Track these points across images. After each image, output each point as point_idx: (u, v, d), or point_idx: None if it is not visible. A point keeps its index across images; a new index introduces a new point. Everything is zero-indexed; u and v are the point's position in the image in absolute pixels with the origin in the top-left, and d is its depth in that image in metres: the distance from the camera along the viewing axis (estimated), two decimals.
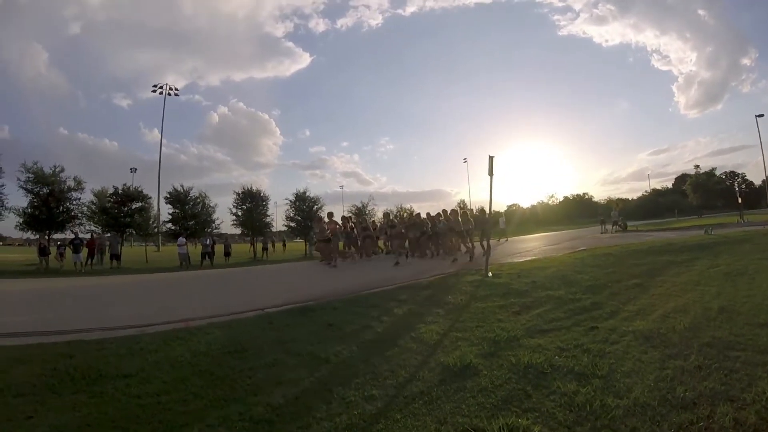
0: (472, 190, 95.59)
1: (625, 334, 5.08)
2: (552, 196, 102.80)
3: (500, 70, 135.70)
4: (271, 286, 12.08)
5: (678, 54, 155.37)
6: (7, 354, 5.08)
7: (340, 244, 17.31)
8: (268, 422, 3.31)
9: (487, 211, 12.84)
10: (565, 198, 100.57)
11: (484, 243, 14.94)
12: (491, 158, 11.08)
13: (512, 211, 68.27)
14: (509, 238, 27.82)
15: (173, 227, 33.85)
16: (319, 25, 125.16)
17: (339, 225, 17.76)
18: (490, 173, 11.11)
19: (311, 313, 6.87)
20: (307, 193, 37.31)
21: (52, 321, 7.29)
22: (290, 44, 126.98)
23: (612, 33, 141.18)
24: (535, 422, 3.10)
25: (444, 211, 17.48)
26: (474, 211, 18.60)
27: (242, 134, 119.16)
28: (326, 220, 17.21)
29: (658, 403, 3.28)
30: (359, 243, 18.32)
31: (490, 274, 9.93)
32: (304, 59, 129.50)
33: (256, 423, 3.30)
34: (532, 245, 21.47)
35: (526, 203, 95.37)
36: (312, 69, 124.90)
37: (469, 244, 16.06)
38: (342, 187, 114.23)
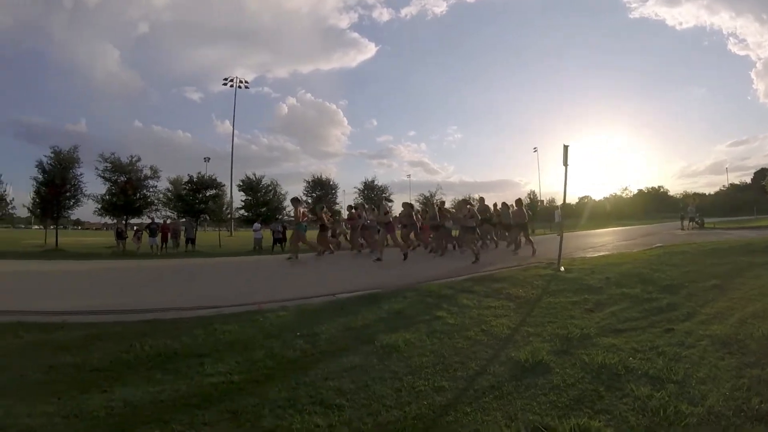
0: (543, 181, 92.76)
1: (701, 338, 4.94)
2: (625, 189, 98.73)
3: (569, 55, 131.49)
4: (341, 273, 12.23)
5: (755, 37, 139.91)
6: (87, 331, 5.57)
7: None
8: (338, 407, 3.40)
9: (561, 202, 12.39)
10: (639, 191, 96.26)
11: (521, 238, 14.83)
12: (566, 147, 10.74)
13: (582, 204, 65.50)
14: (564, 234, 26.89)
15: (246, 213, 35.63)
16: (383, 14, 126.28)
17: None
18: (565, 163, 10.80)
19: (382, 300, 7.00)
20: (375, 182, 37.45)
21: (129, 301, 8.02)
22: (355, 35, 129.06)
23: (685, 15, 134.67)
24: (607, 424, 3.07)
25: (463, 200, 17.68)
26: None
27: (310, 124, 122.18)
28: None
29: (733, 413, 3.18)
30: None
31: (562, 268, 9.77)
32: (370, 49, 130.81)
33: (327, 407, 3.40)
34: (604, 240, 21.39)
35: (597, 196, 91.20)
36: (378, 59, 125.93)
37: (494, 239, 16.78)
38: (409, 176, 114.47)
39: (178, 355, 4.58)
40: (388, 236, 15.66)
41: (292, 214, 17.13)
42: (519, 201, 16.45)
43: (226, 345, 4.92)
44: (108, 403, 3.45)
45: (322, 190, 37.29)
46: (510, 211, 16.37)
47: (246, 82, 44.57)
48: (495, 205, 17.69)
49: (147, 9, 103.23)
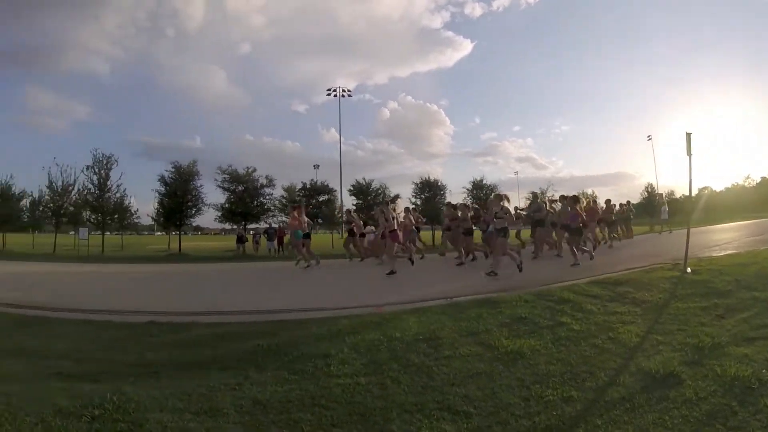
0: (658, 172, 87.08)
1: None
2: (747, 178, 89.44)
3: (681, 30, 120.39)
4: (456, 275, 12.05)
5: None
6: (215, 330, 6.02)
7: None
8: (465, 414, 3.40)
9: (681, 195, 11.32)
10: (763, 179, 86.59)
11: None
12: (689, 135, 9.95)
13: (701, 196, 59.42)
14: (672, 230, 24.97)
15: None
16: (475, 9, 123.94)
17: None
18: (689, 153, 10.04)
19: (502, 304, 6.90)
20: (484, 181, 37.05)
21: (253, 302, 8.53)
22: (449, 33, 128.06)
23: None
24: None
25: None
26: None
27: (413, 126, 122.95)
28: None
29: None
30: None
31: (689, 269, 9.03)
32: (466, 46, 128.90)
33: (455, 414, 3.41)
34: (729, 236, 19.73)
35: (717, 186, 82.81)
36: (474, 55, 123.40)
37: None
38: (516, 173, 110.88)
39: (304, 356, 4.77)
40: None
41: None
42: (574, 198, 13.60)
43: (351, 346, 5.05)
44: (237, 401, 3.66)
45: (430, 191, 37.30)
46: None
47: (348, 90, 46.16)
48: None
49: (247, 30, 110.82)
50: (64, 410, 3.54)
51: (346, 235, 17.66)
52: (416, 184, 37.83)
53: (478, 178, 37.98)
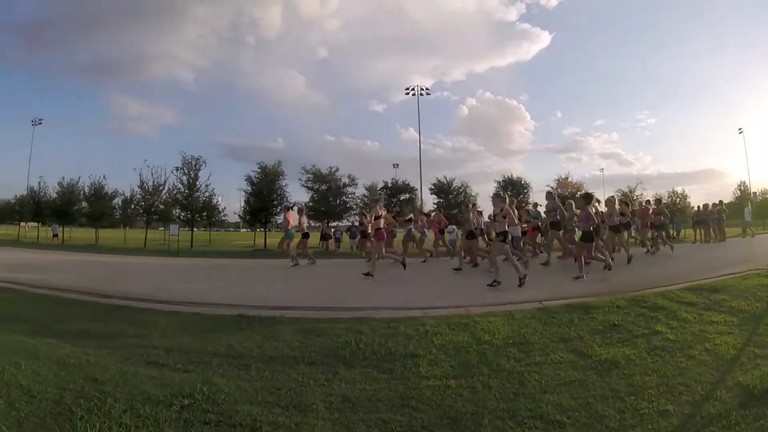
0: (752, 168, 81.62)
1: None
2: None
3: None
4: (544, 278, 11.76)
5: None
6: (303, 326, 6.09)
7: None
8: (559, 424, 3.32)
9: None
10: None
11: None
12: None
13: None
14: (755, 234, 23.74)
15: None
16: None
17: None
18: None
19: (594, 310, 6.71)
20: (570, 178, 36.14)
21: (339, 298, 8.60)
22: (526, 26, 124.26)
23: None
24: None
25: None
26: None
27: (492, 123, 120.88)
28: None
29: None
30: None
31: None
32: (544, 38, 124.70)
33: (547, 423, 3.31)
34: None
35: None
36: (553, 47, 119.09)
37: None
38: (602, 170, 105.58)
39: (392, 355, 4.77)
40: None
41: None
42: (587, 197, 11.88)
43: (440, 348, 5.00)
44: (327, 398, 3.69)
45: (513, 189, 36.70)
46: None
47: (427, 88, 46.38)
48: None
49: (323, 35, 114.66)
50: (153, 398, 3.68)
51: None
52: (498, 183, 37.55)
53: (563, 176, 37.29)
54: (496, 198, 10.52)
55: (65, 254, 22.32)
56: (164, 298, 8.52)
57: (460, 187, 39.02)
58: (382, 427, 3.20)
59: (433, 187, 39.80)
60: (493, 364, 4.47)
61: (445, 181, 39.35)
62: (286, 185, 35.53)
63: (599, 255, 11.81)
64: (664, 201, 35.79)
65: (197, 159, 34.31)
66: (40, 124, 44.79)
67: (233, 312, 6.89)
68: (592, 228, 10.89)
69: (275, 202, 34.29)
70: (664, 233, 17.60)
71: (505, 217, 9.92)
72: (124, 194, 38.46)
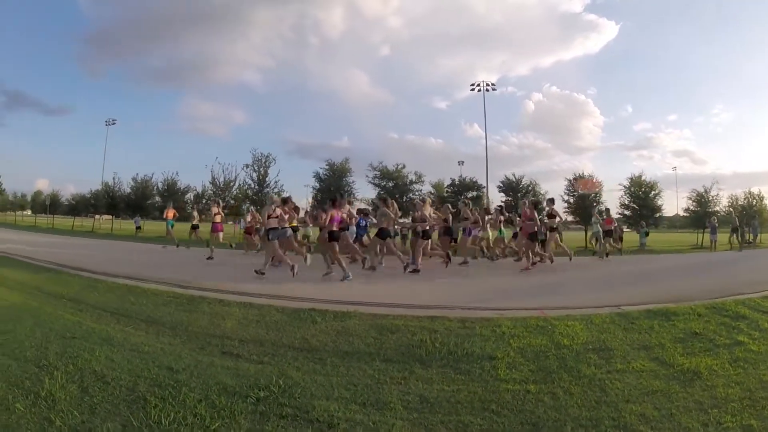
0: None
1: None
2: None
3: None
4: (615, 282, 11.62)
5: None
6: (377, 322, 6.20)
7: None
8: None
9: None
10: None
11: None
12: None
13: None
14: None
15: (507, 214, 36.15)
16: None
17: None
18: None
19: (674, 317, 6.58)
20: (643, 177, 35.35)
21: (407, 294, 8.78)
22: (592, 17, 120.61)
23: None
24: None
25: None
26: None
27: (559, 118, 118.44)
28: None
29: None
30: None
31: None
32: (611, 29, 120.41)
33: None
34: None
35: None
36: (621, 38, 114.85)
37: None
38: (674, 168, 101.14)
39: (469, 355, 4.75)
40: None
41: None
42: (534, 202, 15.78)
43: (517, 350, 4.96)
44: (404, 396, 3.70)
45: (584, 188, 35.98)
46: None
47: (492, 84, 45.85)
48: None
49: (385, 33, 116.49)
50: (228, 389, 3.79)
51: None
52: (569, 181, 36.73)
53: (636, 174, 36.41)
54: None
55: (141, 244, 24.08)
56: (237, 289, 8.88)
57: (528, 185, 38.50)
58: (462, 431, 3.18)
59: (501, 185, 39.71)
60: (574, 370, 4.39)
61: (514, 179, 39.03)
62: (353, 182, 37.59)
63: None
64: (740, 202, 34.61)
65: (266, 156, 36.73)
66: (114, 124, 50.52)
67: (306, 305, 7.09)
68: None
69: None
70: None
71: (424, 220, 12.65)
72: (196, 190, 41.36)
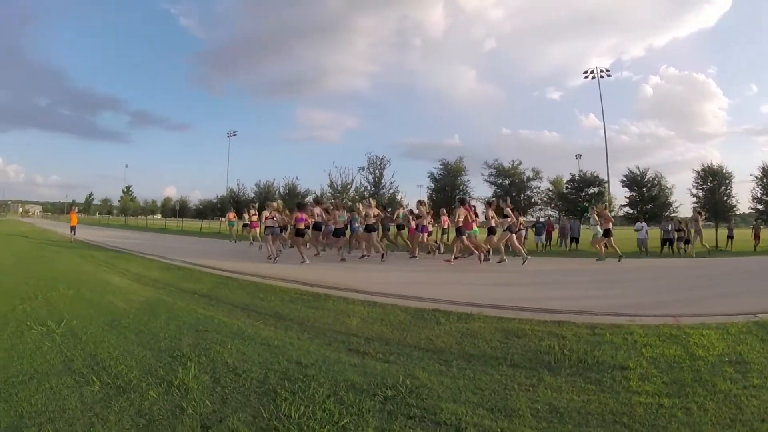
0: None
1: None
2: None
3: None
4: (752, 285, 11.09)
5: None
6: (502, 325, 6.24)
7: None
8: None
9: None
10: None
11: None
12: None
13: None
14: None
15: (630, 211, 34.81)
16: None
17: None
18: None
19: None
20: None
21: (530, 298, 8.62)
22: None
23: None
24: None
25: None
26: None
27: (680, 102, 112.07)
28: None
29: None
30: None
31: None
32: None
33: None
34: None
35: None
36: (737, 7, 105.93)
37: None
38: None
39: (599, 364, 4.66)
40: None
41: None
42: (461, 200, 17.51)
43: (649, 360, 4.79)
44: (533, 405, 3.69)
45: (714, 181, 33.37)
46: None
47: (606, 70, 44.06)
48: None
49: (488, 26, 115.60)
50: (356, 386, 3.97)
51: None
52: (697, 173, 34.35)
53: None
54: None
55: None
56: (360, 288, 9.24)
57: (654, 179, 35.99)
58: None
59: (624, 179, 37.28)
60: (708, 384, 4.18)
61: (638, 172, 36.57)
62: (468, 181, 37.43)
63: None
64: None
65: (381, 159, 38.28)
66: (235, 135, 58.88)
67: (429, 306, 7.27)
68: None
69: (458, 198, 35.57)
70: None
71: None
72: (315, 193, 42.88)
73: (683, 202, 34.87)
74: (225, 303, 7.77)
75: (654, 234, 25.74)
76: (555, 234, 28.13)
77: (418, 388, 3.95)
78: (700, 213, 21.99)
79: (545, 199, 37.34)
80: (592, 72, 43.61)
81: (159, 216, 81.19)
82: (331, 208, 19.35)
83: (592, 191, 36.45)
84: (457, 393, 3.90)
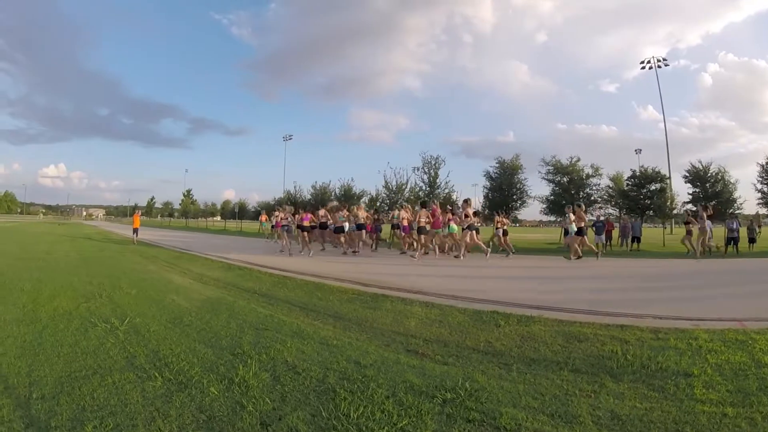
0: None
1: None
2: None
3: None
4: None
5: None
6: (563, 329, 6.25)
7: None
8: None
9: None
10: None
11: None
12: None
13: None
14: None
15: (694, 209, 33.81)
16: None
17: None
18: None
19: None
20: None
21: (589, 299, 8.64)
22: None
23: None
24: None
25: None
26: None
27: (741, 91, 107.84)
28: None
29: None
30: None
31: None
32: None
33: None
34: None
35: None
36: None
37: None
38: None
39: (663, 371, 4.58)
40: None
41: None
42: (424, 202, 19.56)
43: (714, 367, 4.68)
44: (594, 411, 3.67)
45: None
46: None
47: (664, 59, 42.85)
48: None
49: (538, 19, 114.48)
50: (415, 388, 4.04)
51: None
52: (762, 166, 32.99)
53: None
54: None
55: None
56: (418, 288, 9.37)
57: (717, 174, 34.51)
58: None
59: (687, 175, 36.16)
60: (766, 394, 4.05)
61: (701, 167, 35.24)
62: (525, 179, 36.77)
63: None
64: None
65: (436, 158, 37.69)
66: (290, 139, 61.53)
67: (488, 308, 7.31)
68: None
69: (515, 197, 36.06)
70: None
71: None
72: (370, 194, 43.33)
73: (747, 198, 33.51)
74: (284, 302, 8.01)
75: (718, 233, 24.89)
76: (615, 233, 27.55)
77: (477, 392, 3.99)
78: (706, 208, 21.20)
79: (605, 196, 36.35)
80: (648, 62, 42.69)
81: (218, 218, 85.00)
82: (333, 211, 21.88)
83: (654, 188, 35.32)
84: (517, 397, 3.92)
